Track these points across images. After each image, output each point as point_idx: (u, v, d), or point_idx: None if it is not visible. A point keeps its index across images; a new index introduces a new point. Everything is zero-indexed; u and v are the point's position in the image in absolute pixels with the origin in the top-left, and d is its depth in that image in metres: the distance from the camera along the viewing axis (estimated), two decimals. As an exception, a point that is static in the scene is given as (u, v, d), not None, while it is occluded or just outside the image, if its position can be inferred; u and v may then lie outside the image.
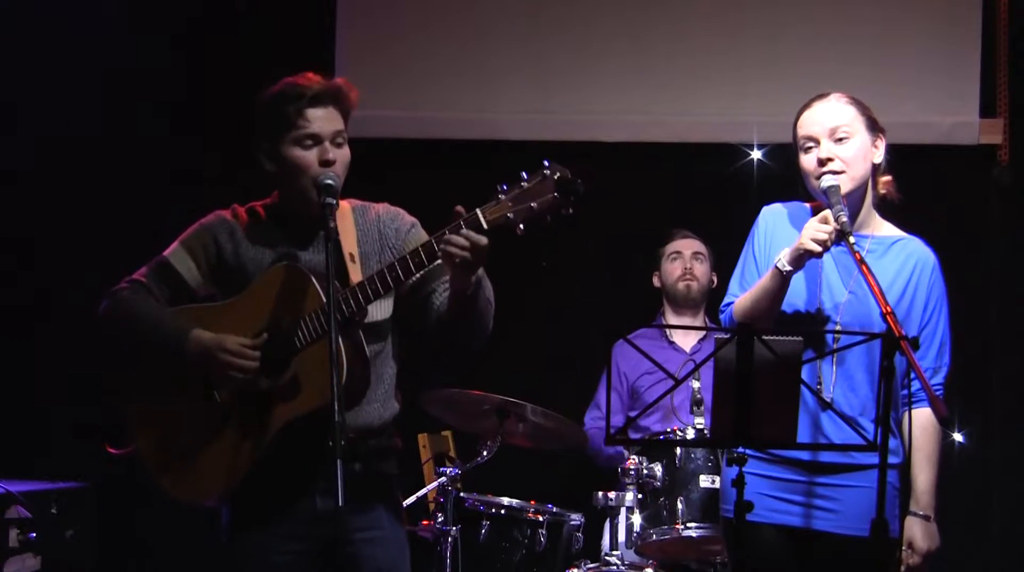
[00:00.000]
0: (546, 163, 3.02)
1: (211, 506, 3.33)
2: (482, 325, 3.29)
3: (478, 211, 3.04)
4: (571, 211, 3.01)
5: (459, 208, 3.07)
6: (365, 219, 3.39)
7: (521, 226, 3.01)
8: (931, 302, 3.44)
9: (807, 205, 3.52)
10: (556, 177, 2.99)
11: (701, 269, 5.26)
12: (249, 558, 3.29)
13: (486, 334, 3.32)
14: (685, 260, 5.25)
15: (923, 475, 3.35)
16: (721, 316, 3.52)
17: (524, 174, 3.03)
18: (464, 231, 3.04)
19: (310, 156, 3.24)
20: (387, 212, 3.42)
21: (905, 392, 3.29)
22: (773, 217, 3.52)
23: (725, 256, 4.59)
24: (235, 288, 3.31)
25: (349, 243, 3.32)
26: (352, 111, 3.33)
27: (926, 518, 3.36)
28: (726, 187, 5.48)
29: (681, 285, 5.23)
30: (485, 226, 3.03)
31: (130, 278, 3.37)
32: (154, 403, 3.32)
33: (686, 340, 5.22)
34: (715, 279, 5.26)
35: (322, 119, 3.25)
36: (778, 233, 3.47)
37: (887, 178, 3.52)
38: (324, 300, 3.13)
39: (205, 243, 3.35)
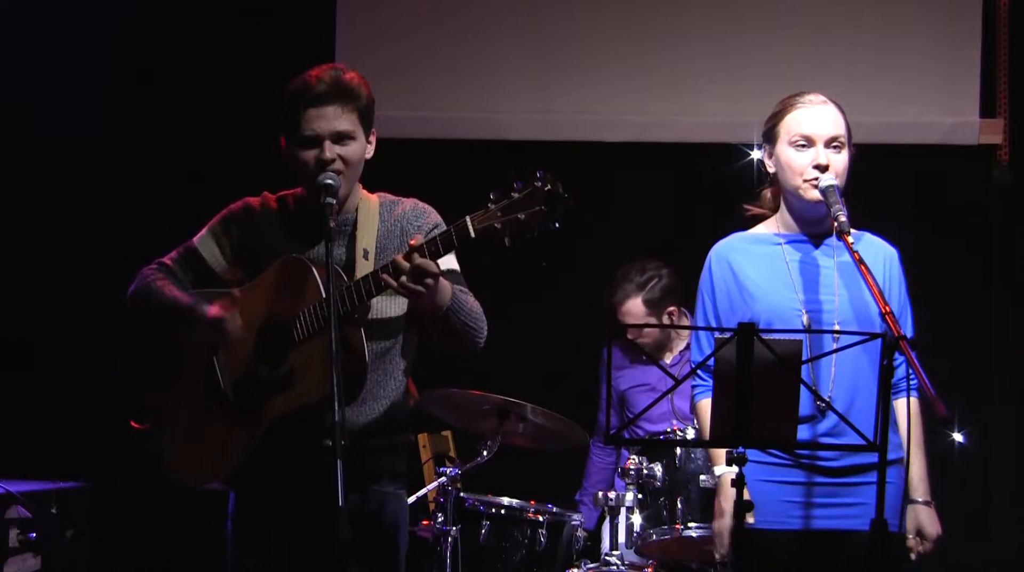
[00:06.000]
0: (539, 174, 3.00)
1: (209, 489, 3.37)
2: (464, 344, 3.29)
3: (467, 219, 3.03)
4: (557, 226, 2.99)
5: (411, 242, 3.07)
6: (391, 214, 3.39)
7: (507, 238, 2.99)
8: (902, 295, 3.49)
9: (753, 231, 3.53)
10: (546, 189, 2.98)
11: (648, 331, 5.10)
12: (253, 551, 3.32)
13: (472, 350, 3.32)
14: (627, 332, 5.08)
15: (917, 462, 3.37)
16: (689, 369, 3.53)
17: (516, 183, 3.01)
18: (402, 260, 3.03)
19: (309, 156, 3.25)
20: (414, 209, 3.41)
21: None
22: (731, 254, 3.50)
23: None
24: (255, 275, 3.34)
25: (367, 239, 3.32)
26: (368, 103, 3.31)
27: (927, 504, 3.39)
28: (726, 187, 5.48)
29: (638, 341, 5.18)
30: (473, 234, 3.02)
31: (159, 260, 3.44)
32: (165, 386, 3.38)
33: (668, 356, 5.20)
34: (675, 314, 5.17)
35: (322, 119, 3.24)
36: (745, 269, 3.46)
37: None
38: (324, 295, 3.15)
39: (229, 230, 3.40)
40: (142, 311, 3.41)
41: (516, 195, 3.00)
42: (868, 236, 3.53)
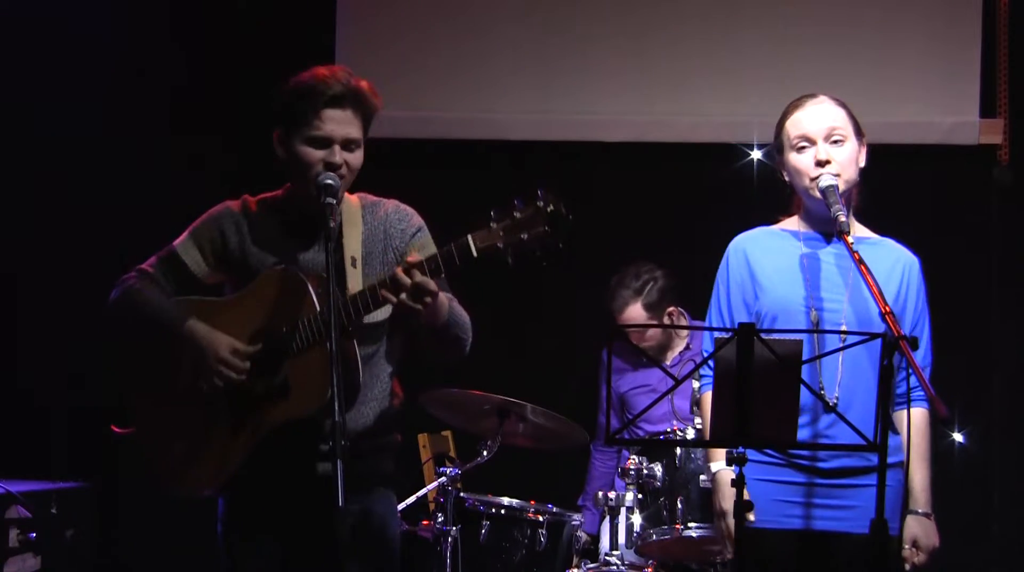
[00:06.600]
0: (540, 193, 3.00)
1: (199, 497, 3.35)
2: (453, 351, 3.31)
3: (469, 238, 3.03)
4: (560, 246, 2.99)
5: (411, 258, 3.07)
6: (373, 217, 3.38)
7: (511, 258, 3.00)
8: (920, 303, 3.48)
9: (775, 227, 3.53)
10: (549, 210, 2.98)
11: (651, 334, 5.12)
12: (244, 555, 3.31)
13: (459, 356, 3.33)
14: (631, 335, 5.08)
15: (920, 474, 3.37)
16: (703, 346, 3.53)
17: (517, 202, 3.00)
18: (403, 276, 3.03)
19: (317, 155, 3.23)
20: (396, 211, 3.40)
21: (898, 390, 3.35)
22: (748, 246, 3.50)
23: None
24: (240, 280, 3.32)
25: (352, 244, 3.30)
26: (374, 114, 3.30)
27: (926, 516, 3.39)
28: (726, 187, 5.48)
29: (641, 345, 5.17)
30: (475, 254, 3.02)
31: (139, 267, 3.40)
32: (152, 393, 3.35)
33: (669, 356, 5.20)
34: (675, 314, 5.17)
35: (337, 122, 3.23)
36: (760, 261, 3.46)
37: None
38: (319, 308, 3.15)
39: (212, 234, 3.36)
40: (124, 321, 3.37)
41: (518, 215, 2.99)
42: (889, 242, 3.52)
